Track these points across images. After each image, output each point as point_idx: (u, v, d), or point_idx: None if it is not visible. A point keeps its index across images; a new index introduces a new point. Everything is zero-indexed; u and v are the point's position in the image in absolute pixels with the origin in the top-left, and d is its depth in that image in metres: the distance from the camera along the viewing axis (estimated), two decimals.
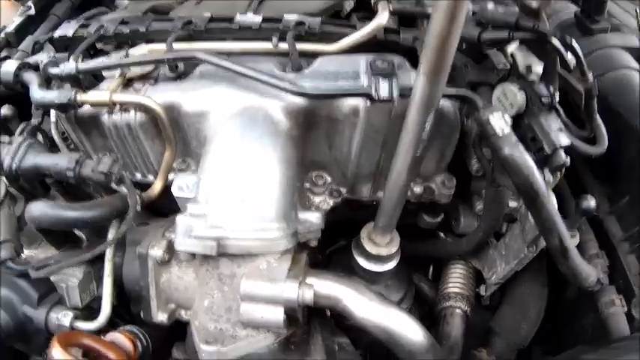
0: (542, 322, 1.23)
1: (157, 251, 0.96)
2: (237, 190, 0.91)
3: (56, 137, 1.21)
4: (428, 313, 1.30)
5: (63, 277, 1.06)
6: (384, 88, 0.89)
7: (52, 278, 1.05)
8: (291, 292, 0.88)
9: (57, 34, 1.23)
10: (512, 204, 1.10)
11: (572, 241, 0.95)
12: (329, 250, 1.32)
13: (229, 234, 0.88)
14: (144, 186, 1.15)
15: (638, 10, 1.41)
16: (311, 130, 1.01)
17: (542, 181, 0.89)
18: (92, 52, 1.23)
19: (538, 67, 1.13)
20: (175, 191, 0.92)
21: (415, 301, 1.30)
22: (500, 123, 0.89)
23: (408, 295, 1.21)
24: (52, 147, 1.22)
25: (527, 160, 0.88)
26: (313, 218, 1.00)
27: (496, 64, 1.09)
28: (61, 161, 0.99)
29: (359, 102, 0.94)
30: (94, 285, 1.09)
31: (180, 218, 0.90)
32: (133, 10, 1.29)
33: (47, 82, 1.15)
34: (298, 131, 0.99)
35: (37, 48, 1.32)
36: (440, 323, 1.19)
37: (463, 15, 0.67)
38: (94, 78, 1.17)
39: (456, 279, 1.22)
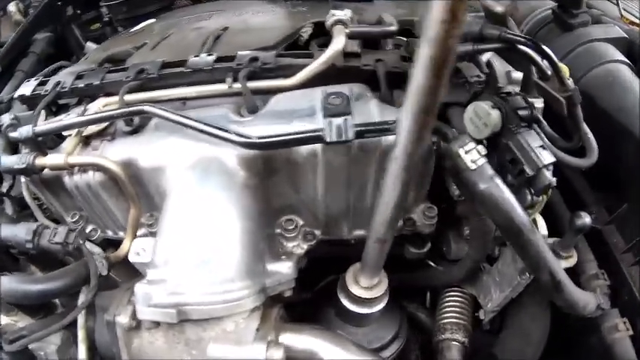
0: (551, 341, 1.10)
1: (123, 318, 0.88)
2: (196, 250, 0.83)
3: (28, 199, 1.14)
4: (428, 341, 1.19)
5: (42, 344, 1.01)
6: (337, 130, 0.78)
7: (31, 346, 0.99)
8: (258, 354, 0.79)
9: (17, 93, 1.16)
10: None
11: (564, 273, 0.83)
12: (317, 287, 1.22)
13: (190, 299, 0.80)
14: (117, 242, 1.09)
15: None
16: (271, 176, 0.91)
17: (524, 215, 0.77)
18: (54, 109, 1.16)
19: (517, 74, 1.01)
20: (132, 257, 0.84)
21: (413, 332, 1.19)
22: (471, 155, 0.77)
23: (400, 331, 1.10)
24: (23, 209, 1.16)
25: (505, 195, 0.76)
26: (284, 269, 0.90)
27: (468, 77, 0.97)
28: (19, 232, 0.92)
29: (316, 144, 0.84)
30: (74, 348, 1.03)
31: (138, 286, 0.82)
32: (92, 61, 1.21)
33: (13, 144, 1.10)
34: (256, 179, 0.89)
35: (3, 107, 1.26)
36: (437, 357, 1.08)
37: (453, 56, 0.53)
38: (58, 136, 1.10)
39: (450, 308, 1.11)
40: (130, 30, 1.35)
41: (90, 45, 1.46)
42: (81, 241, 0.89)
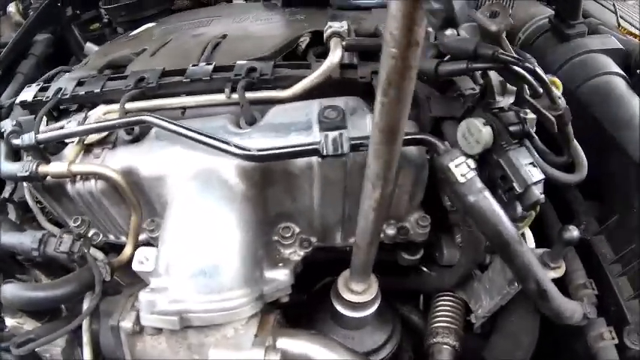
0: (540, 345, 1.15)
1: (127, 323, 0.93)
2: (196, 260, 0.87)
3: (30, 203, 1.18)
4: (420, 343, 1.24)
5: (47, 346, 1.05)
6: (333, 144, 0.82)
7: (37, 349, 1.03)
8: (256, 358, 0.84)
9: (18, 99, 1.19)
10: None
11: (551, 283, 0.87)
12: (313, 289, 1.27)
13: (191, 307, 0.85)
14: (118, 246, 1.13)
15: (616, 5, 1.28)
16: (269, 187, 0.95)
17: (511, 227, 0.80)
18: (56, 115, 1.19)
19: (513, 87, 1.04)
20: (136, 266, 0.88)
21: (406, 333, 1.24)
22: (461, 169, 0.80)
23: (394, 333, 1.15)
24: (26, 212, 1.20)
25: (494, 208, 0.79)
26: (281, 276, 0.95)
27: (463, 89, 1.00)
28: (25, 240, 0.97)
29: (312, 157, 0.87)
30: (79, 351, 1.08)
31: (142, 294, 0.87)
32: (92, 66, 1.23)
33: (15, 150, 1.13)
34: (255, 190, 0.93)
35: (3, 112, 1.29)
36: None
37: (414, 70, 0.57)
38: (60, 142, 1.13)
39: (442, 313, 1.15)
40: (129, 34, 1.38)
41: (90, 46, 1.48)
42: (85, 250, 0.93)
